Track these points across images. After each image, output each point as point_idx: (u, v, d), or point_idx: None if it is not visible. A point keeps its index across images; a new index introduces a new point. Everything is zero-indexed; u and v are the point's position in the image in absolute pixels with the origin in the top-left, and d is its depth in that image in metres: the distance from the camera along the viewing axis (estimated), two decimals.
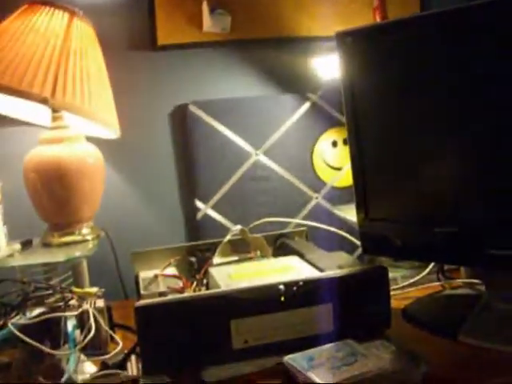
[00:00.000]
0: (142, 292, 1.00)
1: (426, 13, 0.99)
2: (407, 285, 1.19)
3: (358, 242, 1.11)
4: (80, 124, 1.18)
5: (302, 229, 1.28)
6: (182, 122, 1.39)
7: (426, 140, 0.94)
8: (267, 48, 1.43)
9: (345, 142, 1.42)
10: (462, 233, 0.90)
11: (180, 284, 1.03)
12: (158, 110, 1.39)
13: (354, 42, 1.00)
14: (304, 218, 1.40)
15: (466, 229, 0.90)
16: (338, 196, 1.45)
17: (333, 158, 1.45)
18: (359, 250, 1.24)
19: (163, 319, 0.83)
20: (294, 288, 0.88)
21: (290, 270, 0.99)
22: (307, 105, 1.43)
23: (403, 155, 0.98)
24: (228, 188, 1.39)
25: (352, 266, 0.96)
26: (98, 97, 1.13)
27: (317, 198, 1.44)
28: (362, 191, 1.05)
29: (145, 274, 1.09)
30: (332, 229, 1.29)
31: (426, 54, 0.92)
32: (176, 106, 1.40)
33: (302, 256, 1.08)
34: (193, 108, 1.37)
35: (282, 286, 0.87)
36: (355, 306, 0.90)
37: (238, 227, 1.19)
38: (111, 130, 1.19)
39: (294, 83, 1.45)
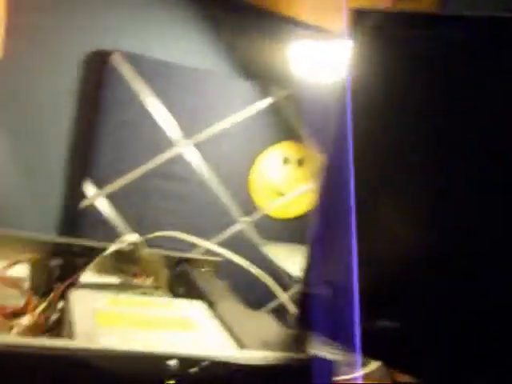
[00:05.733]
0: None
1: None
2: None
3: (283, 295, 0.92)
4: None
5: (215, 258, 1.02)
6: (95, 74, 1.14)
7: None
8: (230, 11, 1.20)
9: (300, 162, 1.21)
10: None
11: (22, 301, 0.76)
12: (66, 51, 1.14)
13: (372, 30, 0.72)
14: (221, 244, 1.17)
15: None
16: (270, 228, 1.25)
17: (278, 179, 1.23)
18: (277, 300, 1.07)
19: None
20: (193, 369, 0.58)
21: (190, 327, 0.70)
22: (267, 101, 1.22)
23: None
24: (132, 178, 1.16)
25: (280, 343, 0.70)
26: None
27: (244, 222, 1.23)
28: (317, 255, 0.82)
29: None
30: (254, 270, 1.04)
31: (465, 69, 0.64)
32: (93, 50, 1.14)
33: (211, 305, 0.80)
34: (117, 58, 1.12)
35: (174, 362, 0.58)
36: None
37: (135, 236, 0.93)
38: None
39: (255, 67, 1.23)
